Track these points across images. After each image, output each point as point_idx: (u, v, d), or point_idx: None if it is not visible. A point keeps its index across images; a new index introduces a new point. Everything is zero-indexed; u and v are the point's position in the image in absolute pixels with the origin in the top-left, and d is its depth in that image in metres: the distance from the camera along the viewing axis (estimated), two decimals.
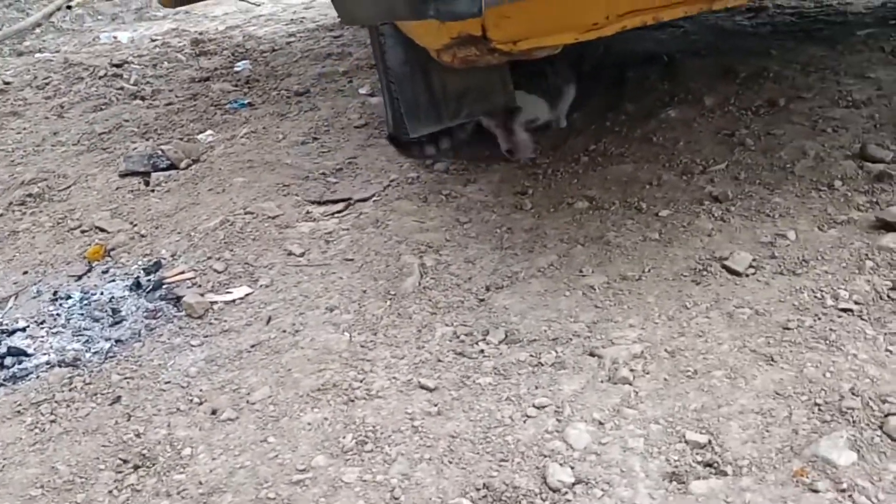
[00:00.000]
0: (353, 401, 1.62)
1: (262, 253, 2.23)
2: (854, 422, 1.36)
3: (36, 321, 2.08)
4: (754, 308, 1.68)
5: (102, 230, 2.51)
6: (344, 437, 1.52)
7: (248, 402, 1.67)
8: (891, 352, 1.50)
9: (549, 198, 2.25)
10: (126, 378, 1.80)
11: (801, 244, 1.86)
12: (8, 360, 1.92)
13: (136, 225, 2.51)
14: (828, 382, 1.45)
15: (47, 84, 4.23)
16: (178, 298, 2.07)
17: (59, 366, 1.87)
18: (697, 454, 1.36)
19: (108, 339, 1.96)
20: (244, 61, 4.19)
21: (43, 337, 2.01)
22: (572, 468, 1.37)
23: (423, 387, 1.63)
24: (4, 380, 1.85)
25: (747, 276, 1.79)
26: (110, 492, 1.50)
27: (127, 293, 2.15)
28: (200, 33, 5.04)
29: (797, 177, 2.12)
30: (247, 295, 2.06)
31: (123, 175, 2.88)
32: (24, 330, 2.04)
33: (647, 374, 1.56)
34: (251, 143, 3.00)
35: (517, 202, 2.25)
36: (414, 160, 2.60)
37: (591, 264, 1.93)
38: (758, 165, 2.21)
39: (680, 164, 2.29)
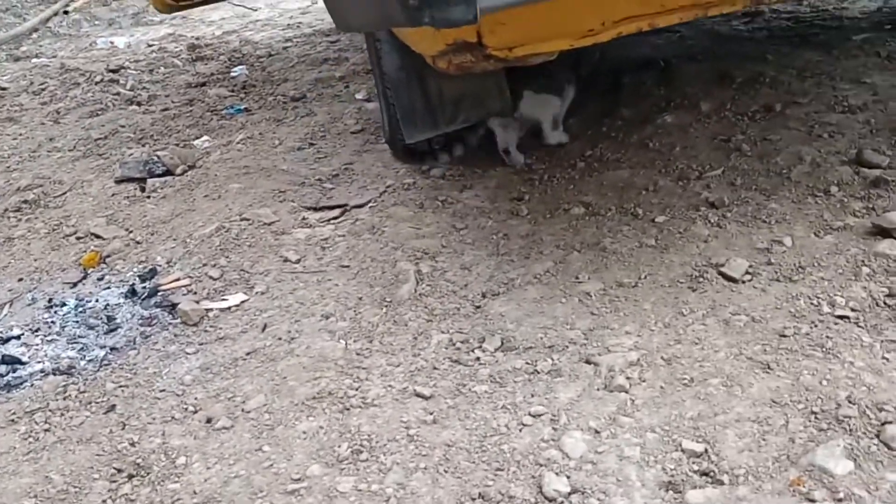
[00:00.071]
0: (348, 409, 1.61)
1: (258, 260, 2.22)
2: (851, 430, 1.36)
3: (31, 329, 2.07)
4: (751, 315, 1.68)
5: (98, 237, 2.50)
6: (339, 446, 1.51)
7: (243, 410, 1.67)
8: (887, 359, 1.50)
9: (545, 204, 2.24)
10: (121, 386, 1.80)
11: (797, 250, 1.86)
12: (2, 369, 1.91)
13: (131, 231, 2.50)
14: (824, 390, 1.45)
15: (43, 89, 4.23)
16: (174, 306, 2.06)
17: (54, 374, 1.87)
18: (694, 463, 1.36)
19: (102, 347, 1.95)
20: (241, 66, 4.19)
21: (37, 345, 2.00)
22: (568, 477, 1.36)
23: (418, 395, 1.62)
24: None
25: (744, 282, 1.79)
26: (104, 501, 1.49)
27: (122, 300, 2.14)
28: (197, 38, 5.04)
29: (793, 182, 2.12)
30: (242, 302, 2.05)
31: (119, 181, 2.88)
32: (18, 338, 2.03)
33: (644, 381, 1.56)
34: (247, 149, 2.99)
35: (513, 208, 2.25)
36: (410, 166, 2.59)
37: (588, 271, 1.92)
38: (754, 171, 2.21)
39: (676, 169, 2.29)
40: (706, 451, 1.37)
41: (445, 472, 1.43)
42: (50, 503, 1.51)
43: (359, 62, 3.84)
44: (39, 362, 1.93)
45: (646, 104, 2.71)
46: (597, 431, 1.46)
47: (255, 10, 5.72)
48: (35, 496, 1.52)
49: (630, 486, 1.34)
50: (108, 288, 2.22)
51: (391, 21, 1.74)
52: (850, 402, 1.41)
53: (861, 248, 1.81)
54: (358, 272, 2.09)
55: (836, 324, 1.61)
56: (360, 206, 2.42)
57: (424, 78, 2.37)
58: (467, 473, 1.42)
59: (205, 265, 2.23)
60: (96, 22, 6.33)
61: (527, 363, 1.66)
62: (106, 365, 1.88)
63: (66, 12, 6.50)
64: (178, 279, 2.18)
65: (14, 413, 1.75)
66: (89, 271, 2.32)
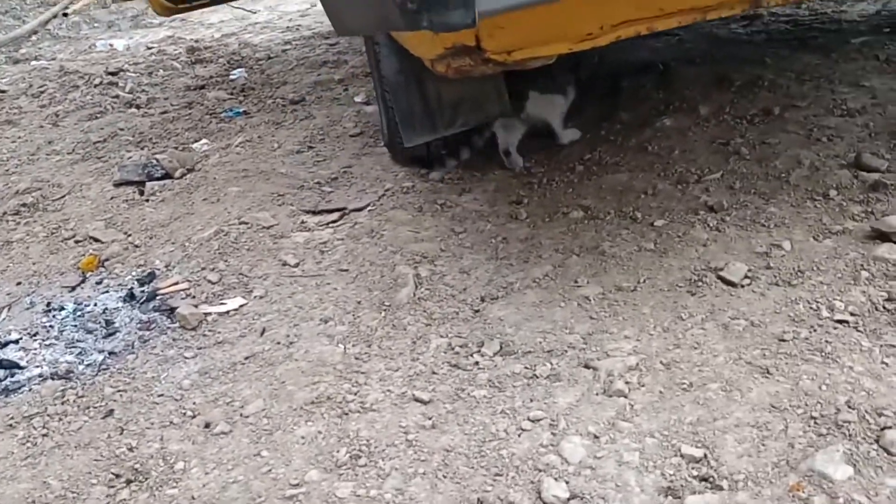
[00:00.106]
0: (347, 414, 1.61)
1: (257, 263, 2.22)
2: (850, 435, 1.35)
3: (29, 333, 2.07)
4: (749, 319, 1.68)
5: (96, 240, 2.50)
6: (338, 451, 1.51)
7: (241, 415, 1.66)
8: (887, 364, 1.50)
9: (544, 207, 2.24)
10: (119, 391, 1.79)
11: (796, 254, 1.85)
12: (0, 373, 1.90)
13: (130, 235, 2.50)
14: (824, 395, 1.45)
15: (43, 92, 4.23)
16: (172, 310, 2.06)
17: (52, 378, 1.86)
18: (693, 468, 1.35)
19: (101, 352, 1.95)
20: (240, 69, 4.19)
21: (36, 349, 2.00)
22: (567, 483, 1.36)
23: (417, 399, 1.62)
24: None
25: (742, 286, 1.78)
26: None
27: (120, 304, 2.14)
28: (196, 41, 5.05)
29: (792, 186, 2.12)
30: (241, 306, 2.05)
31: (118, 184, 2.88)
32: (16, 342, 2.03)
33: (643, 386, 1.55)
34: (246, 152, 2.99)
35: (512, 212, 2.25)
36: (409, 169, 2.59)
37: (587, 275, 1.92)
38: (753, 175, 2.21)
39: (675, 173, 2.29)
40: (705, 456, 1.37)
41: (444, 477, 1.43)
42: None
43: (358, 65, 3.84)
44: (38, 367, 1.92)
45: (644, 108, 2.72)
46: (596, 436, 1.45)
47: (255, 13, 5.72)
48: (33, 501, 1.52)
49: (629, 492, 1.33)
50: (107, 292, 2.22)
51: (389, 25, 1.74)
52: (849, 406, 1.41)
53: (860, 252, 1.81)
54: (357, 276, 2.09)
55: (835, 328, 1.61)
56: (359, 210, 2.42)
57: (423, 81, 2.37)
58: (466, 479, 1.41)
59: (203, 269, 2.23)
60: (95, 24, 6.33)
61: (526, 368, 1.66)
62: (104, 369, 1.88)
63: (65, 14, 6.50)
64: (176, 283, 2.18)
65: (12, 418, 1.75)
66: (88, 275, 2.31)
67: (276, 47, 4.63)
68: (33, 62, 5.11)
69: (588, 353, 1.67)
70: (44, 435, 1.69)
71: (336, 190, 2.58)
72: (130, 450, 1.61)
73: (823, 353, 1.55)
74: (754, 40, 3.24)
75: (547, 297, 1.87)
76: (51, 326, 2.08)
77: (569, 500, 1.33)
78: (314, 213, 2.45)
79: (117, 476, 1.54)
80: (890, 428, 1.35)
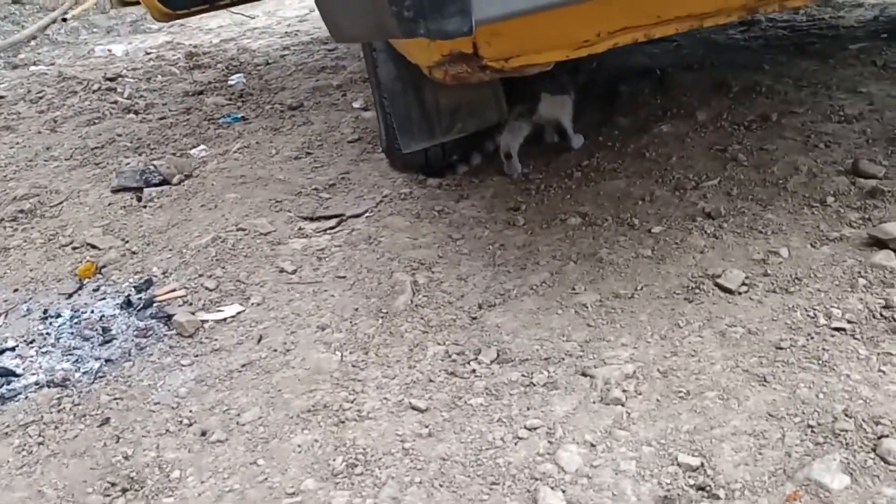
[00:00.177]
0: (343, 422, 1.61)
1: (254, 270, 2.21)
2: (847, 444, 1.35)
3: (25, 340, 2.07)
4: (747, 327, 1.67)
5: (94, 247, 2.49)
6: (334, 460, 1.51)
7: (237, 423, 1.66)
8: (884, 372, 1.49)
9: (541, 214, 2.24)
10: (115, 399, 1.79)
11: (793, 261, 1.85)
12: None
13: (127, 242, 2.50)
14: (821, 403, 1.44)
15: (41, 98, 4.23)
16: (169, 317, 2.05)
17: (48, 386, 1.86)
18: (690, 477, 1.35)
19: (97, 359, 1.94)
20: (238, 74, 4.19)
21: (32, 357, 1.99)
22: (564, 492, 1.36)
23: (414, 408, 1.62)
24: None
25: (740, 294, 1.78)
26: None
27: (117, 311, 2.13)
28: (195, 46, 5.05)
29: (790, 193, 2.12)
30: (238, 313, 2.04)
31: (116, 191, 2.88)
32: (13, 349, 2.02)
33: (640, 394, 1.55)
34: (244, 159, 2.99)
35: (510, 218, 2.25)
36: (407, 175, 2.59)
37: (584, 282, 1.92)
38: (750, 181, 2.21)
39: (672, 179, 2.29)
40: (702, 465, 1.37)
41: (440, 486, 1.42)
42: None
43: (356, 70, 3.84)
44: (34, 374, 1.92)
45: (642, 113, 2.72)
46: (592, 445, 1.45)
47: (253, 19, 5.73)
48: None
49: (626, 501, 1.33)
50: (104, 299, 2.21)
51: (386, 32, 1.74)
52: (846, 415, 1.40)
53: (857, 259, 1.81)
54: (354, 283, 2.08)
55: (832, 336, 1.61)
56: (357, 216, 2.42)
57: (421, 88, 2.37)
58: (462, 487, 1.41)
59: (201, 276, 2.23)
60: (94, 30, 6.34)
61: (523, 375, 1.65)
62: (101, 377, 1.87)
63: (64, 20, 6.51)
64: (173, 290, 2.18)
65: (8, 426, 1.74)
66: (85, 282, 2.31)
67: (274, 53, 4.64)
68: (32, 67, 5.11)
69: (585, 360, 1.67)
70: (40, 443, 1.68)
71: (334, 196, 2.58)
72: (126, 458, 1.60)
73: (820, 361, 1.54)
74: (752, 46, 3.25)
75: (544, 305, 1.87)
76: (47, 334, 2.07)
77: None
78: (312, 219, 2.45)
79: (113, 485, 1.53)
80: (887, 437, 1.34)
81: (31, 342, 2.05)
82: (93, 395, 1.81)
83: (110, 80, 4.38)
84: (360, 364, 1.77)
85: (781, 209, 2.05)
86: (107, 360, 1.93)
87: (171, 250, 2.40)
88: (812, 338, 1.61)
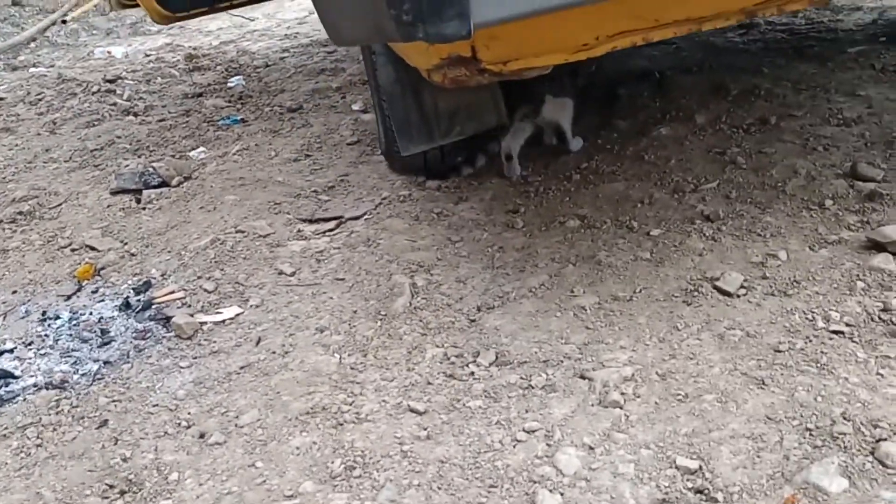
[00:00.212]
0: (341, 424, 1.61)
1: (253, 272, 2.22)
2: (845, 447, 1.35)
3: (24, 342, 2.07)
4: (745, 330, 1.68)
5: (93, 248, 2.49)
6: (332, 462, 1.51)
7: (236, 425, 1.66)
8: (882, 375, 1.49)
9: (540, 216, 2.24)
10: (114, 401, 1.79)
11: (792, 264, 1.85)
12: None
13: (126, 243, 2.50)
14: (819, 407, 1.44)
15: (40, 100, 4.23)
16: (168, 319, 2.05)
17: (47, 388, 1.86)
18: (688, 480, 1.35)
19: (96, 361, 1.94)
20: (237, 77, 4.20)
21: (30, 358, 1.99)
22: (562, 494, 1.36)
23: (412, 410, 1.62)
24: None
25: (738, 296, 1.78)
26: None
27: (116, 313, 2.13)
28: (194, 48, 5.05)
29: (788, 196, 2.12)
30: (237, 315, 2.04)
31: (115, 192, 2.88)
32: (11, 351, 2.02)
33: (638, 397, 1.55)
34: (243, 161, 2.99)
35: (509, 221, 2.25)
36: (406, 178, 2.59)
37: (583, 284, 1.92)
38: (749, 184, 2.21)
39: (671, 182, 2.29)
40: (700, 468, 1.37)
41: (439, 488, 1.42)
42: None
43: (355, 73, 3.85)
44: (32, 376, 1.92)
45: (641, 116, 2.72)
46: (591, 448, 1.45)
47: (253, 21, 5.73)
48: None
49: None
50: (103, 301, 2.21)
51: (385, 35, 1.74)
52: (844, 418, 1.41)
53: (856, 263, 1.81)
54: (353, 285, 2.08)
55: (830, 339, 1.61)
56: (356, 219, 2.42)
57: (420, 91, 2.37)
58: (461, 490, 1.41)
59: (199, 278, 2.23)
60: (94, 31, 6.34)
61: (521, 378, 1.65)
62: (99, 379, 1.87)
63: (64, 22, 6.52)
64: (172, 292, 2.18)
65: (6, 428, 1.74)
66: (84, 284, 2.31)
67: (273, 55, 4.64)
68: (31, 69, 5.12)
69: (584, 363, 1.67)
70: (38, 445, 1.68)
71: (333, 198, 2.58)
72: (124, 460, 1.60)
73: (819, 365, 1.55)
74: (751, 49, 3.25)
75: (543, 307, 1.87)
76: (46, 335, 2.07)
77: None
78: (311, 221, 2.45)
79: (111, 487, 1.53)
80: (885, 440, 1.34)
81: (30, 344, 2.05)
82: (91, 397, 1.81)
83: (110, 81, 4.38)
84: (358, 366, 1.77)
85: (780, 212, 2.06)
86: (105, 362, 1.93)
87: (169, 252, 2.40)
88: (810, 341, 1.61)
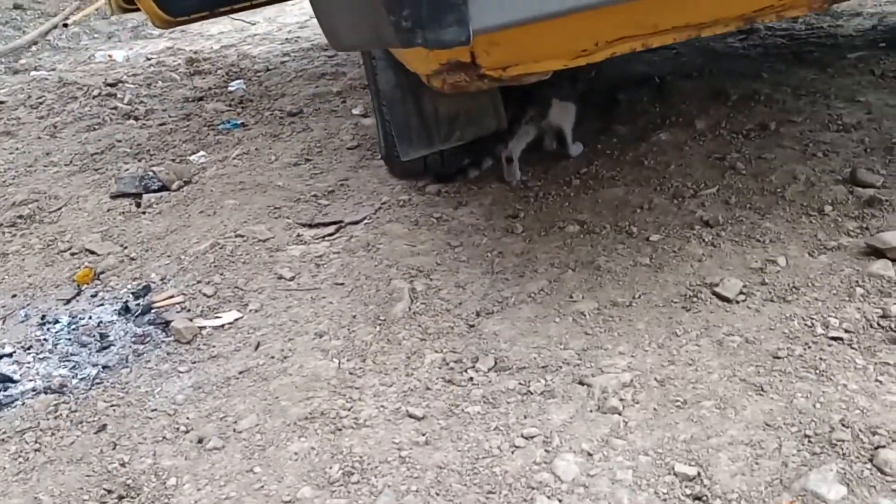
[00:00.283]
0: (340, 430, 1.61)
1: (252, 277, 2.22)
2: (844, 454, 1.35)
3: (23, 346, 2.07)
4: (744, 336, 1.67)
5: (92, 252, 2.50)
6: (330, 468, 1.50)
7: (234, 430, 1.66)
8: (881, 382, 1.49)
9: (540, 221, 2.24)
10: (112, 405, 1.79)
11: (791, 270, 1.85)
12: None
13: (126, 247, 2.50)
14: (818, 413, 1.44)
15: (41, 103, 4.24)
16: (167, 323, 2.05)
17: (45, 393, 1.86)
18: (686, 487, 1.35)
19: (95, 365, 1.94)
20: (238, 81, 4.20)
21: (29, 363, 1.99)
22: (560, 501, 1.36)
23: (411, 415, 1.61)
24: None
25: (737, 302, 1.78)
26: None
27: (115, 318, 2.13)
28: (195, 52, 5.06)
29: (788, 201, 2.12)
30: (236, 320, 2.04)
31: (115, 196, 2.88)
32: (10, 356, 2.02)
33: (637, 403, 1.55)
34: (243, 165, 3.00)
35: (508, 226, 2.25)
36: (406, 182, 2.60)
37: (582, 290, 1.92)
38: (748, 190, 2.21)
39: (671, 187, 2.29)
40: (699, 474, 1.37)
41: (437, 494, 1.42)
42: None
43: (356, 77, 3.85)
44: (31, 380, 1.92)
45: (641, 121, 2.72)
46: (589, 454, 1.45)
47: (254, 25, 5.74)
48: None
49: None
50: (102, 305, 2.21)
51: (384, 41, 1.74)
52: (843, 425, 1.40)
53: (855, 269, 1.81)
54: (352, 290, 2.08)
55: (829, 345, 1.61)
56: (356, 223, 2.42)
57: (420, 96, 2.37)
58: (459, 496, 1.41)
59: (199, 282, 2.23)
60: (95, 35, 6.35)
61: (520, 384, 1.65)
62: (98, 383, 1.87)
63: (65, 25, 6.53)
64: (171, 296, 2.18)
65: (4, 432, 1.74)
66: (83, 288, 2.31)
67: (274, 59, 4.65)
68: (33, 73, 5.12)
69: (582, 369, 1.67)
70: (36, 450, 1.68)
71: (332, 203, 2.58)
72: (123, 465, 1.60)
73: (818, 371, 1.54)
74: (751, 54, 3.26)
75: (542, 312, 1.87)
76: (45, 340, 2.07)
77: None
78: (310, 226, 2.45)
79: (109, 492, 1.53)
80: (884, 447, 1.34)
81: (29, 348, 2.05)
82: (90, 402, 1.81)
83: (111, 85, 4.39)
84: (357, 371, 1.77)
85: (779, 218, 2.06)
86: (104, 367, 1.93)
87: (169, 256, 2.40)
88: (809, 347, 1.61)
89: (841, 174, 2.19)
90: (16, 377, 1.93)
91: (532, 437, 1.50)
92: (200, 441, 1.64)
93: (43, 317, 2.18)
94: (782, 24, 3.47)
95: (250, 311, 2.07)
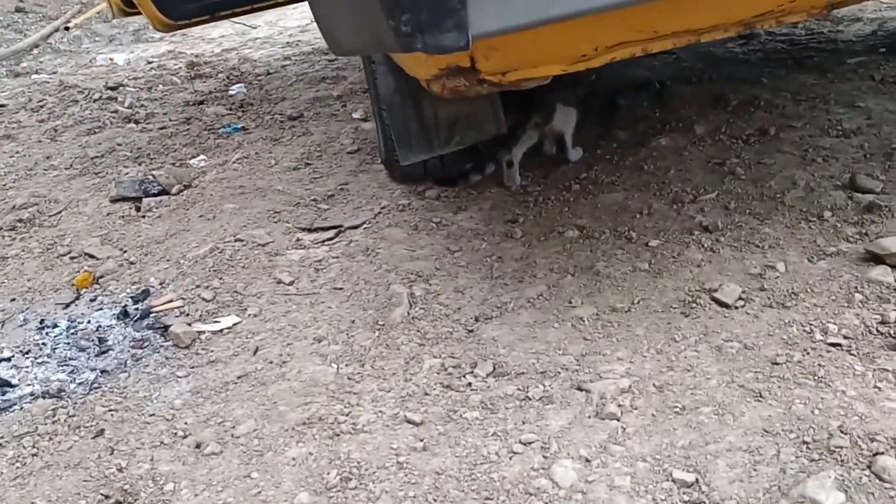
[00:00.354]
0: (338, 435, 1.60)
1: (252, 281, 2.22)
2: (842, 461, 1.34)
3: (21, 351, 2.06)
4: (743, 342, 1.67)
5: (92, 257, 2.50)
6: (328, 474, 1.50)
7: (232, 435, 1.65)
8: (880, 388, 1.49)
9: (539, 226, 2.24)
10: (110, 410, 1.78)
11: (790, 276, 1.85)
12: None
13: (125, 252, 2.50)
14: (816, 420, 1.44)
15: (42, 106, 4.24)
16: (166, 328, 2.05)
17: (44, 397, 1.85)
18: (684, 493, 1.35)
19: (93, 370, 1.94)
20: (239, 84, 4.21)
21: (28, 367, 1.99)
22: None
23: (409, 421, 1.61)
24: None
25: (736, 308, 1.78)
26: None
27: (114, 322, 2.13)
28: (196, 56, 5.07)
29: (787, 207, 2.12)
30: (235, 324, 2.04)
31: (114, 200, 2.88)
32: (8, 360, 2.02)
33: (635, 409, 1.55)
34: (243, 169, 3.00)
35: (508, 230, 2.25)
36: (406, 187, 2.60)
37: (581, 295, 1.92)
38: (748, 195, 2.21)
39: (670, 192, 2.29)
40: (697, 480, 1.36)
41: (434, 500, 1.42)
42: None
43: (356, 81, 3.86)
44: (29, 385, 1.92)
45: (641, 126, 2.72)
46: (587, 460, 1.45)
47: (255, 28, 5.75)
48: None
49: None
50: (101, 309, 2.21)
51: (384, 46, 1.75)
52: (841, 431, 1.40)
53: (854, 275, 1.81)
54: (351, 295, 2.08)
55: (828, 351, 1.60)
56: (355, 228, 2.42)
57: (419, 100, 2.37)
58: (457, 502, 1.40)
59: (198, 286, 2.23)
60: (97, 38, 6.36)
61: (518, 389, 1.65)
62: (96, 388, 1.87)
63: (66, 28, 6.54)
64: (170, 301, 2.18)
65: (2, 437, 1.74)
66: (82, 292, 2.31)
67: (275, 63, 4.65)
68: (34, 76, 5.13)
69: (581, 374, 1.66)
70: (34, 455, 1.68)
71: (332, 207, 2.58)
72: (120, 470, 1.60)
73: (816, 377, 1.54)
74: (751, 59, 3.26)
75: (541, 318, 1.86)
76: (43, 344, 2.07)
77: None
78: (310, 230, 2.45)
79: (106, 497, 1.53)
80: (882, 454, 1.34)
81: (27, 352, 2.05)
82: (88, 407, 1.81)
83: (111, 89, 4.39)
84: (355, 376, 1.77)
85: (779, 223, 2.05)
86: (102, 371, 1.93)
87: (168, 261, 2.40)
88: (808, 353, 1.61)
89: (840, 180, 2.19)
90: (14, 381, 1.93)
91: (530, 443, 1.50)
92: (198, 446, 1.64)
93: (42, 321, 2.18)
94: (782, 29, 3.48)
95: (249, 315, 2.07)
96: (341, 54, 2.31)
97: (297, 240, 2.40)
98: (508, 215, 2.33)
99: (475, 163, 2.54)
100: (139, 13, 3.64)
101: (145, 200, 2.82)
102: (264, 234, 2.45)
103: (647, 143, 2.59)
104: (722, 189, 2.26)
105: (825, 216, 2.04)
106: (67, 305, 2.25)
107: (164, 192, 2.86)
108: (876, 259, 1.83)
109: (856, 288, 1.77)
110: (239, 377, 1.83)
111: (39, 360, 2.01)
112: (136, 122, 3.78)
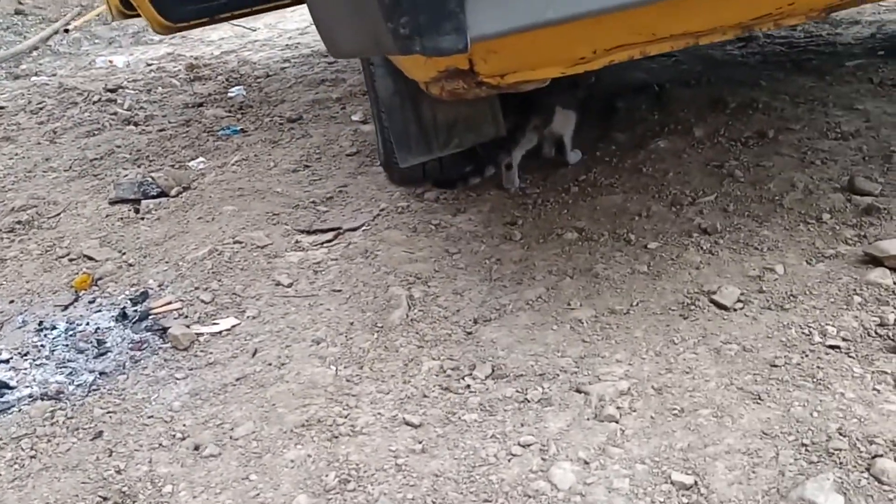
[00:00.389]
0: (336, 437, 1.60)
1: (250, 283, 2.21)
2: (841, 463, 1.34)
3: (20, 352, 2.06)
4: (742, 344, 1.67)
5: (90, 258, 2.50)
6: (327, 476, 1.50)
7: (231, 437, 1.65)
8: (878, 391, 1.49)
9: (538, 228, 2.24)
10: (109, 412, 1.78)
11: (788, 278, 1.85)
12: None
13: (124, 254, 2.50)
14: (815, 422, 1.44)
15: (41, 109, 4.24)
16: (164, 330, 2.05)
17: (42, 399, 1.85)
18: (683, 496, 1.34)
19: (92, 372, 1.94)
20: (238, 87, 4.21)
21: (26, 369, 1.99)
22: None
23: (407, 423, 1.61)
24: None
25: (735, 310, 1.78)
26: None
27: (113, 324, 2.13)
28: (196, 58, 5.07)
29: (786, 209, 2.12)
30: (233, 326, 2.04)
31: (113, 202, 2.88)
32: (7, 362, 2.02)
33: (634, 411, 1.55)
34: (242, 171, 3.00)
35: (506, 233, 2.25)
36: (405, 189, 2.60)
37: (580, 297, 1.92)
38: (746, 197, 2.21)
39: (669, 195, 2.29)
40: (696, 483, 1.36)
41: (433, 502, 1.41)
42: None
43: (355, 83, 3.86)
44: (27, 387, 1.91)
45: (640, 129, 2.73)
46: (586, 462, 1.44)
47: (254, 31, 5.76)
48: None
49: None
50: (100, 311, 2.21)
51: (382, 49, 1.74)
52: (840, 434, 1.40)
53: (853, 277, 1.81)
54: (350, 297, 2.08)
55: (827, 354, 1.60)
56: (354, 230, 2.42)
57: (418, 102, 2.37)
58: None
59: (197, 288, 2.23)
60: (96, 41, 6.36)
61: (517, 391, 1.65)
62: (95, 390, 1.87)
63: (66, 31, 6.54)
64: (169, 302, 2.18)
65: (0, 439, 1.73)
66: (81, 294, 2.31)
67: (274, 65, 4.66)
68: (33, 78, 5.13)
69: (580, 377, 1.66)
70: (32, 456, 1.67)
71: (331, 209, 2.58)
72: (118, 472, 1.60)
73: (815, 380, 1.54)
74: (749, 62, 3.26)
75: (540, 320, 1.86)
76: (42, 346, 2.07)
77: None
78: (309, 232, 2.46)
79: (104, 499, 1.53)
80: (881, 456, 1.34)
81: (26, 354, 2.05)
82: (86, 409, 1.80)
83: (111, 91, 4.39)
84: (354, 379, 1.77)
85: (777, 226, 2.06)
86: (101, 373, 1.93)
87: (167, 263, 2.40)
88: (807, 356, 1.61)
89: (839, 182, 2.20)
90: (12, 383, 1.93)
91: (529, 446, 1.50)
92: (197, 448, 1.63)
93: (40, 323, 2.18)
94: (781, 31, 3.48)
95: (248, 317, 2.07)
96: (340, 57, 2.31)
97: (296, 242, 2.40)
98: (507, 217, 2.33)
99: (474, 165, 2.54)
100: (138, 15, 3.65)
101: (144, 202, 2.82)
102: (263, 236, 2.45)
103: (645, 146, 2.59)
104: (721, 191, 2.26)
105: (824, 218, 2.04)
106: (66, 307, 2.25)
107: (162, 194, 2.86)
108: (874, 261, 1.83)
109: (854, 290, 1.77)
110: (237, 379, 1.83)
111: (38, 362, 2.01)
112: (136, 125, 3.78)
